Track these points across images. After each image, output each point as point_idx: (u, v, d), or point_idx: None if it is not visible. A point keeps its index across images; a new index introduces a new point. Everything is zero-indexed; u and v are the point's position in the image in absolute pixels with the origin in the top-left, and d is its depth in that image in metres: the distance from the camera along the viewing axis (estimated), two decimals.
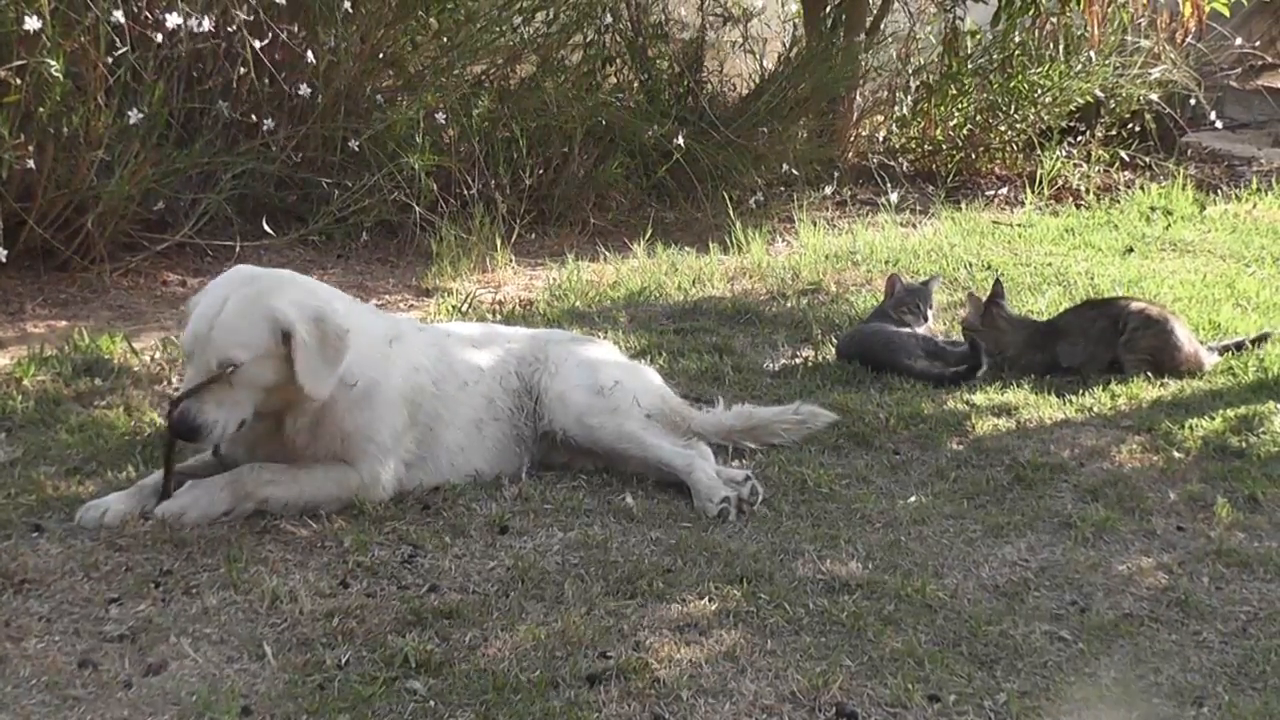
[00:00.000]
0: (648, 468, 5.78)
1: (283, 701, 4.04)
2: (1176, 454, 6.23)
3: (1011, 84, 12.78)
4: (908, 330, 7.44)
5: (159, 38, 7.96)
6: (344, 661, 4.25)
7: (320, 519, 5.18)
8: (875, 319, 7.61)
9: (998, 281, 7.60)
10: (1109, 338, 7.30)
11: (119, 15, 7.74)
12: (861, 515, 5.51)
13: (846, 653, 4.45)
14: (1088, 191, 12.14)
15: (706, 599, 4.73)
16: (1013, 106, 12.83)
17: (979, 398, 6.83)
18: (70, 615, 4.46)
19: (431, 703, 4.05)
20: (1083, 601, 4.88)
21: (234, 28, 8.45)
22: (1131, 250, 10.09)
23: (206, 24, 8.06)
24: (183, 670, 4.18)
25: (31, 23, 7.30)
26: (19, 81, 7.53)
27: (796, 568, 4.99)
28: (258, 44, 8.41)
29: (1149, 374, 7.18)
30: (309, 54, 8.70)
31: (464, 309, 8.04)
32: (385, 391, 5.42)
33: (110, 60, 7.88)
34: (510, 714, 4.00)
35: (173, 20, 7.87)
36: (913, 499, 5.69)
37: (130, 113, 7.87)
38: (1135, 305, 7.42)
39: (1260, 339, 7.60)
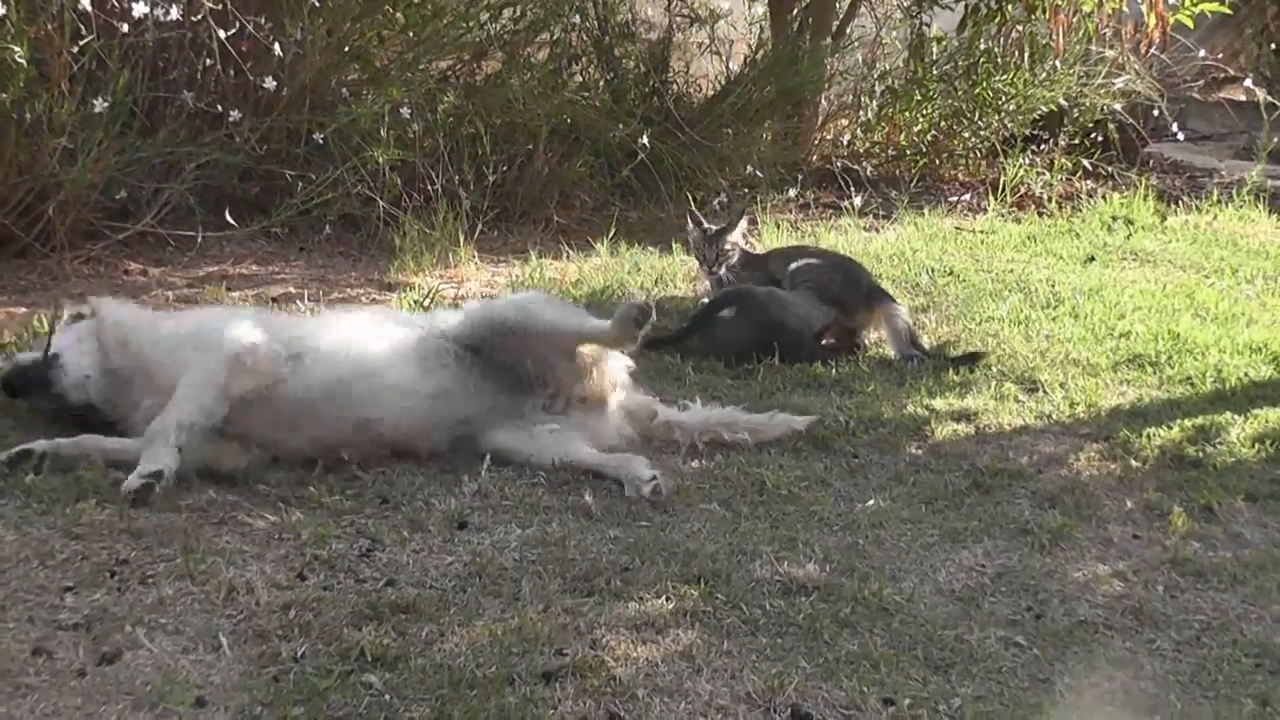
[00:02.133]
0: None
1: (238, 693, 4.02)
2: (1134, 462, 6.26)
3: (976, 91, 12.84)
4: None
5: (125, 27, 7.92)
6: (300, 654, 4.24)
7: (279, 511, 5.17)
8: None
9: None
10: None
11: (85, 2, 7.69)
12: (820, 518, 5.52)
13: (803, 654, 4.46)
14: (1050, 199, 12.18)
15: (664, 598, 4.74)
16: (977, 113, 12.88)
17: (939, 403, 6.85)
18: (25, 603, 4.43)
19: (387, 697, 4.05)
20: (1038, 608, 4.91)
21: (199, 17, 8.42)
22: (1093, 259, 10.13)
23: (174, 13, 8.03)
24: (137, 660, 4.17)
25: None
26: None
27: (754, 569, 5.00)
28: (223, 34, 8.38)
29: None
30: (275, 46, 8.66)
31: (426, 304, 8.03)
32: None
33: (75, 48, 7.85)
34: (466, 710, 3.99)
35: (139, 9, 7.84)
36: (871, 503, 5.70)
37: (95, 101, 7.83)
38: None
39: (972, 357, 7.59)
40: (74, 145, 7.97)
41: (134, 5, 7.85)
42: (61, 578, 4.60)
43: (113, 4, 7.95)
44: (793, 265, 7.92)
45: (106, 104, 7.87)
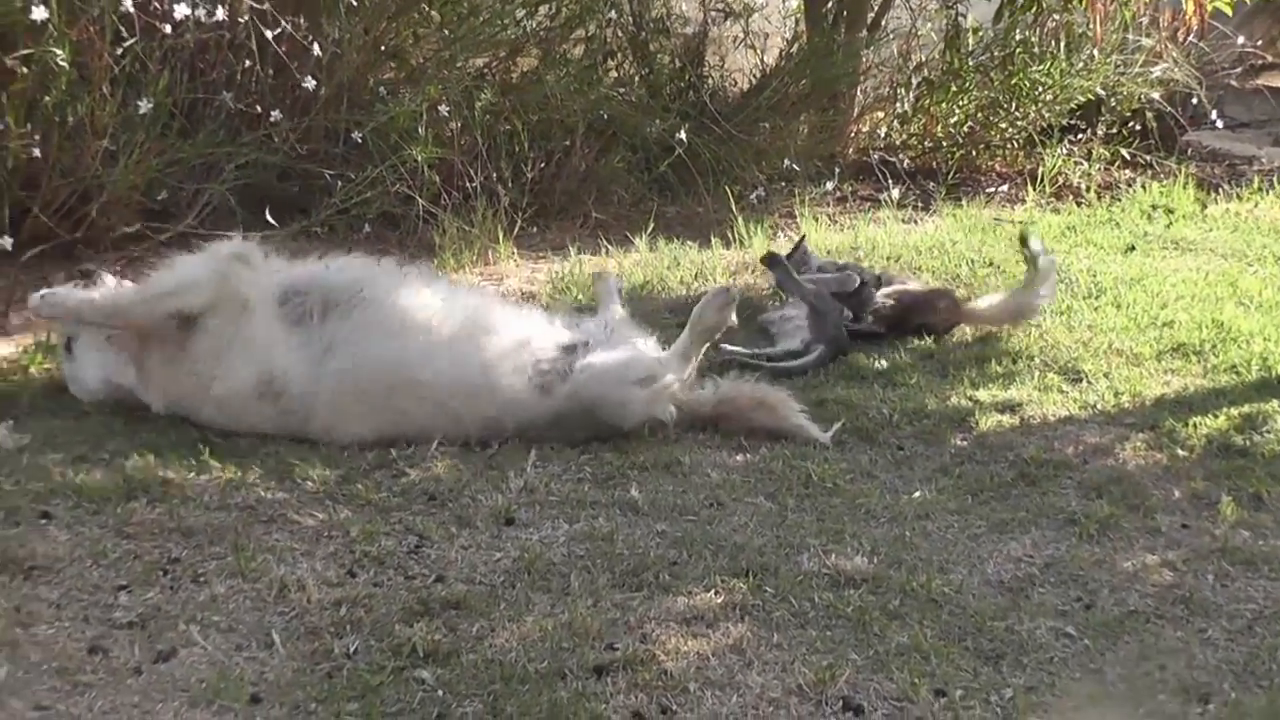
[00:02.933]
0: None
1: (291, 690, 4.06)
2: (1180, 452, 6.24)
3: (1013, 81, 12.76)
4: None
5: (167, 28, 7.96)
6: (352, 650, 4.27)
7: (327, 508, 5.21)
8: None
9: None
10: None
11: (128, 4, 7.74)
12: (866, 510, 5.53)
13: (852, 647, 4.47)
14: (1089, 189, 12.12)
15: (712, 592, 4.76)
16: (1014, 104, 12.80)
17: (982, 394, 6.84)
18: (80, 602, 4.48)
19: (440, 692, 4.08)
20: (1088, 598, 4.90)
21: (245, 18, 8.45)
22: (1133, 248, 10.08)
23: (220, 13, 8.08)
24: (192, 657, 4.21)
25: (39, 12, 7.30)
26: (25, 70, 7.53)
27: (802, 562, 5.01)
28: (270, 34, 8.41)
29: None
30: (315, 46, 8.69)
31: None
32: None
33: (117, 50, 7.89)
34: (518, 704, 4.01)
35: (181, 10, 7.89)
36: (917, 494, 5.71)
37: (140, 102, 7.88)
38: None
39: None
40: (115, 147, 8.01)
41: (176, 6, 7.89)
42: (115, 577, 4.65)
43: (155, 6, 7.98)
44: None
45: (150, 105, 7.91)
